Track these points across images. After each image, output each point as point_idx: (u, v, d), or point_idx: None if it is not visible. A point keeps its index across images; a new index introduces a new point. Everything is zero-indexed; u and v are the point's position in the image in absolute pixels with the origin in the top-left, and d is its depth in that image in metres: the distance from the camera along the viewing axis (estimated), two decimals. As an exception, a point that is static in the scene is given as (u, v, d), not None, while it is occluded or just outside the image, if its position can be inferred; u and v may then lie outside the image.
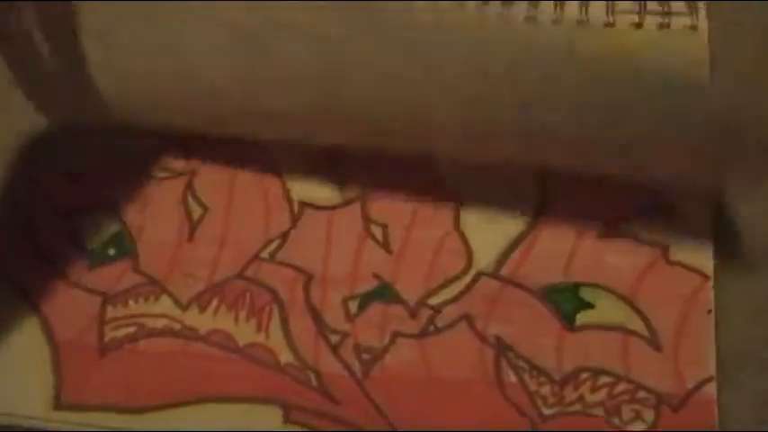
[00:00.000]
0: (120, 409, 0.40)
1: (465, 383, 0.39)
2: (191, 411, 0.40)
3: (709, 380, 0.38)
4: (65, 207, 0.44)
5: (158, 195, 0.44)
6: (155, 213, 0.44)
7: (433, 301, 0.41)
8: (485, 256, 0.41)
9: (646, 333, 0.39)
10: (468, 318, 0.40)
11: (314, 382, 0.39)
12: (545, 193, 0.42)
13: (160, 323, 0.42)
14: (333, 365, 0.40)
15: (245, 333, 0.41)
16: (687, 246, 0.40)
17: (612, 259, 0.40)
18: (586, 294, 0.40)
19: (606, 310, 0.40)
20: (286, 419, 0.39)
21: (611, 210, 0.41)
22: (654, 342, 0.39)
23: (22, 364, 0.41)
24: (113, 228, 0.44)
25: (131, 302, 0.42)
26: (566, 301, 0.40)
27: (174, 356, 0.41)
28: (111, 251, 0.44)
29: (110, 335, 0.42)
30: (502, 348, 0.39)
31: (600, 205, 0.41)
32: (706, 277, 0.40)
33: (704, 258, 0.40)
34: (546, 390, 0.38)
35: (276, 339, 0.41)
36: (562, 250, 0.41)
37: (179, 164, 0.45)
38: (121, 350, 0.41)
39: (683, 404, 0.38)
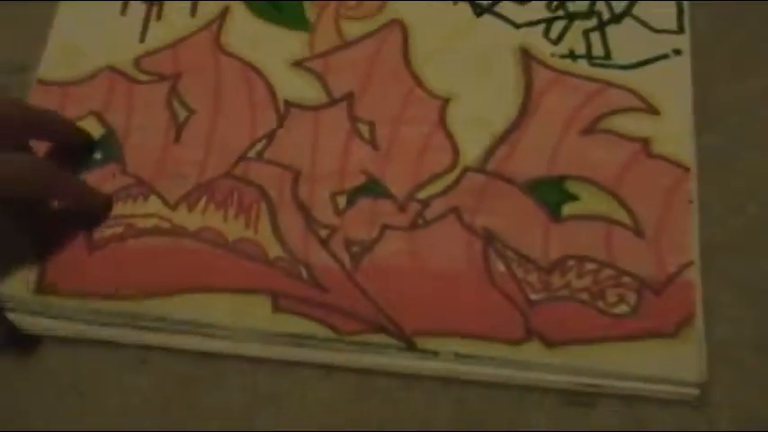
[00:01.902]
0: (108, 296, 0.40)
1: (454, 272, 0.39)
2: (179, 302, 0.40)
3: (688, 264, 0.39)
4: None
5: (143, 99, 0.44)
6: (140, 117, 0.44)
7: (422, 195, 0.41)
8: (471, 152, 0.42)
9: (629, 222, 0.40)
10: (455, 210, 0.41)
11: (304, 274, 0.40)
12: (530, 90, 0.42)
13: (149, 222, 0.42)
14: (322, 258, 0.40)
15: (233, 229, 0.41)
16: (668, 139, 0.41)
17: (595, 153, 0.41)
18: (571, 187, 0.41)
19: (591, 201, 0.40)
20: (275, 309, 0.39)
21: (593, 106, 0.42)
22: (637, 231, 0.40)
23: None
24: (98, 133, 0.44)
25: (120, 204, 0.43)
26: (551, 194, 0.41)
27: (162, 252, 0.41)
28: (98, 155, 0.44)
29: (97, 235, 0.42)
30: (490, 239, 0.40)
31: (582, 101, 0.42)
32: (687, 169, 0.40)
33: (685, 151, 0.41)
34: (533, 277, 0.39)
35: (265, 235, 0.41)
36: (547, 146, 0.42)
37: (163, 67, 0.45)
38: (109, 247, 0.41)
39: (664, 288, 0.39)
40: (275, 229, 0.41)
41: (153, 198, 0.42)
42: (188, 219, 0.42)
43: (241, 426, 0.38)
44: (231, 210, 0.42)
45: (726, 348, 0.38)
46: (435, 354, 0.38)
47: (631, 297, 0.39)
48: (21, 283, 0.41)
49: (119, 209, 0.42)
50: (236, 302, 0.40)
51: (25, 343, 0.40)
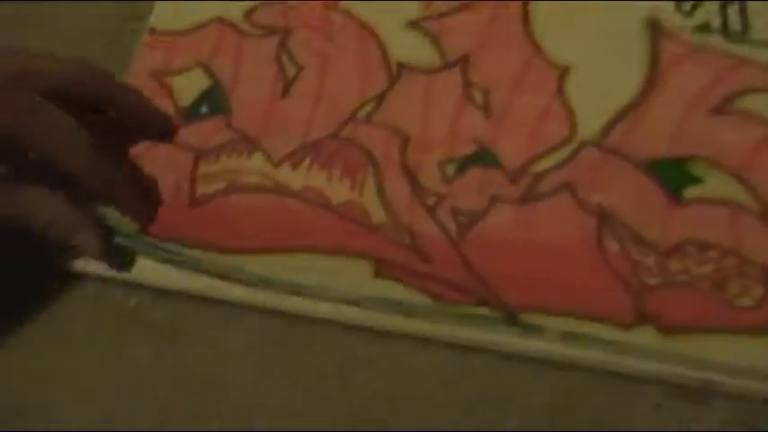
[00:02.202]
0: (208, 248, 0.40)
1: (565, 248, 0.38)
2: (279, 260, 0.39)
3: (821, 257, 0.36)
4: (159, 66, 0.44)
5: (252, 53, 0.43)
6: (248, 70, 0.43)
7: (535, 168, 0.39)
8: (589, 126, 0.40)
9: (757, 209, 0.37)
10: (569, 186, 0.39)
11: (407, 241, 0.38)
12: (657, 64, 0.40)
13: (252, 179, 0.41)
14: (428, 226, 0.39)
15: (338, 191, 0.40)
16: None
17: (724, 135, 0.39)
18: (695, 169, 0.38)
19: (716, 185, 0.38)
20: (376, 274, 0.38)
21: (724, 84, 0.39)
22: (764, 217, 0.37)
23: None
24: (205, 84, 0.43)
25: (224, 158, 0.42)
26: (672, 175, 0.38)
27: (265, 210, 0.40)
28: (204, 108, 0.43)
29: (201, 190, 0.41)
30: (604, 217, 0.38)
31: (713, 79, 0.39)
32: (823, 156, 0.38)
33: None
34: (650, 260, 0.37)
35: (370, 199, 0.40)
36: (671, 124, 0.39)
37: (274, 21, 0.44)
38: (212, 203, 0.41)
39: (794, 280, 0.36)
40: (380, 193, 0.40)
41: (257, 154, 0.42)
42: (292, 177, 0.41)
43: (336, 387, 0.37)
44: (336, 171, 0.41)
45: None
46: (540, 330, 0.36)
47: (757, 289, 0.36)
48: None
49: (223, 163, 0.42)
50: (336, 265, 0.39)
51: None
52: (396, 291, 0.38)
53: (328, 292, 0.38)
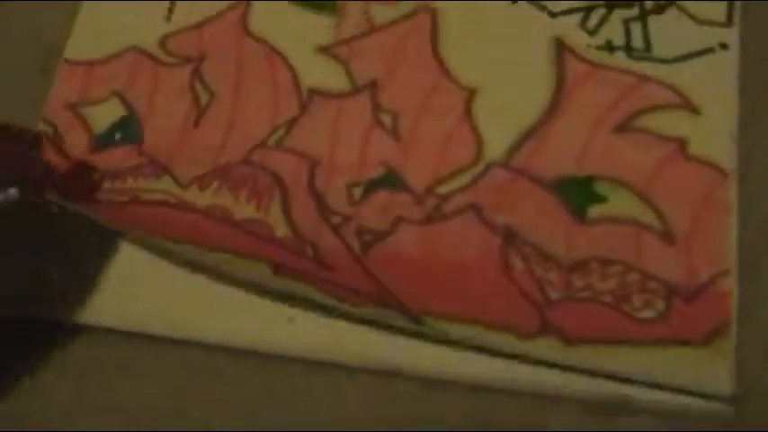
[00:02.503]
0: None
1: (469, 267, 0.37)
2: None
3: (724, 273, 0.36)
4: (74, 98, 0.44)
5: (166, 82, 0.44)
6: (162, 100, 0.43)
7: (442, 189, 0.39)
8: (496, 147, 0.40)
9: (659, 227, 0.37)
10: (475, 207, 0.39)
11: (310, 253, 0.38)
12: (562, 83, 0.40)
13: (157, 196, 0.41)
14: (331, 241, 0.38)
15: (243, 210, 0.40)
16: (708, 140, 0.38)
17: (627, 154, 0.39)
18: (600, 188, 0.38)
19: (619, 204, 0.38)
20: (276, 272, 0.37)
21: (628, 102, 0.39)
22: (667, 236, 0.37)
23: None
24: (120, 114, 0.43)
25: (130, 179, 0.42)
26: (577, 194, 0.38)
27: (163, 217, 0.40)
28: (118, 135, 0.43)
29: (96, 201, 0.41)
30: (509, 236, 0.38)
31: (617, 97, 0.40)
32: (725, 173, 0.38)
33: (725, 154, 0.38)
34: (553, 275, 0.37)
35: (275, 217, 0.39)
36: (576, 143, 0.39)
37: (188, 49, 0.44)
38: (108, 211, 0.40)
39: (695, 296, 0.36)
40: (286, 212, 0.40)
41: (166, 178, 0.41)
42: (198, 197, 0.41)
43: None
44: (243, 192, 0.41)
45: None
46: (445, 334, 0.36)
47: (659, 303, 0.36)
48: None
49: (129, 183, 0.41)
50: (233, 261, 0.38)
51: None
52: (296, 287, 0.37)
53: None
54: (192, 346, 0.38)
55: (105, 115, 0.44)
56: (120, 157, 0.42)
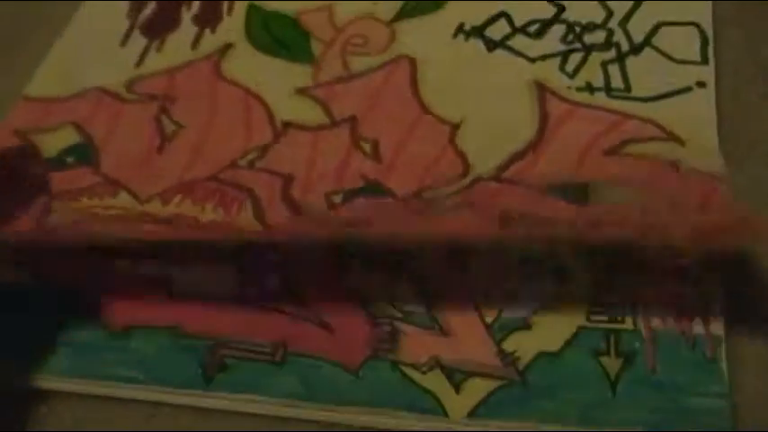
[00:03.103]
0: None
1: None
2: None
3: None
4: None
5: (130, 114, 0.42)
6: (124, 128, 0.41)
7: (428, 195, 0.36)
8: (484, 165, 0.38)
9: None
10: (468, 203, 0.36)
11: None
12: (545, 122, 0.39)
13: (113, 211, 0.37)
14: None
15: (209, 216, 0.36)
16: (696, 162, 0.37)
17: (623, 169, 0.37)
18: (599, 188, 0.36)
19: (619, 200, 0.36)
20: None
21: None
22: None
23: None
24: (73, 140, 0.40)
25: (84, 199, 0.38)
26: (576, 193, 0.36)
27: (119, 227, 0.35)
28: (70, 159, 0.40)
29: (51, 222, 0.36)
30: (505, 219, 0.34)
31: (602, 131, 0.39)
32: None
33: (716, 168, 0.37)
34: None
35: (246, 222, 0.36)
36: (568, 162, 0.38)
37: (157, 90, 0.42)
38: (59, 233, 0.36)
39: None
40: (259, 219, 0.36)
41: (123, 194, 0.38)
42: (159, 210, 0.37)
43: None
44: (210, 204, 0.37)
45: None
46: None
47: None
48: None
49: (83, 203, 0.37)
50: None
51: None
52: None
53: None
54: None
55: (57, 141, 0.41)
56: (72, 178, 0.39)
